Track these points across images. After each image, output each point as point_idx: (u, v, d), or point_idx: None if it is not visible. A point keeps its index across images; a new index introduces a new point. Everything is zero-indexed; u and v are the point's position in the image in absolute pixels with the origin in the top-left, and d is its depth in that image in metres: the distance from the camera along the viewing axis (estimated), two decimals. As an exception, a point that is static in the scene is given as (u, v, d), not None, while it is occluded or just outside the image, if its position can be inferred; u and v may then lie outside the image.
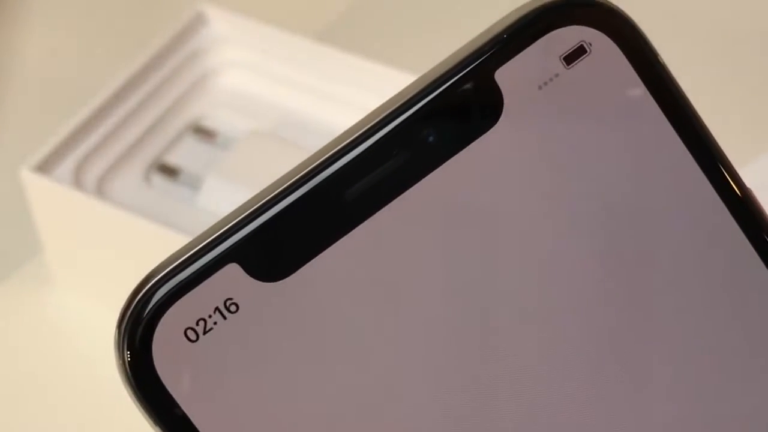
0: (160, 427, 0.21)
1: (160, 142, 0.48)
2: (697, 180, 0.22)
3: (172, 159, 0.48)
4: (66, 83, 0.57)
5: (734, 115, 0.53)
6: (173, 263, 0.21)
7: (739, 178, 0.23)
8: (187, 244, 0.21)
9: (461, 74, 0.22)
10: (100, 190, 0.47)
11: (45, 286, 0.50)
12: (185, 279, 0.21)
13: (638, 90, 0.22)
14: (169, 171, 0.48)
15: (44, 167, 0.46)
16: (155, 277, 0.21)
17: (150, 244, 0.44)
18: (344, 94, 0.48)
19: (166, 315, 0.21)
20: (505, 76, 0.22)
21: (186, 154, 0.48)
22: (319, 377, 0.21)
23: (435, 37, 0.55)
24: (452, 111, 0.22)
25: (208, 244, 0.21)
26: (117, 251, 0.46)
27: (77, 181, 0.46)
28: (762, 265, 0.23)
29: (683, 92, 0.22)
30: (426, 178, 0.21)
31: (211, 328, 0.21)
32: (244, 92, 0.50)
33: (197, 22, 0.50)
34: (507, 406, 0.22)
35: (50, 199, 0.46)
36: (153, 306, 0.21)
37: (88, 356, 0.48)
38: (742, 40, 0.57)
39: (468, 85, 0.22)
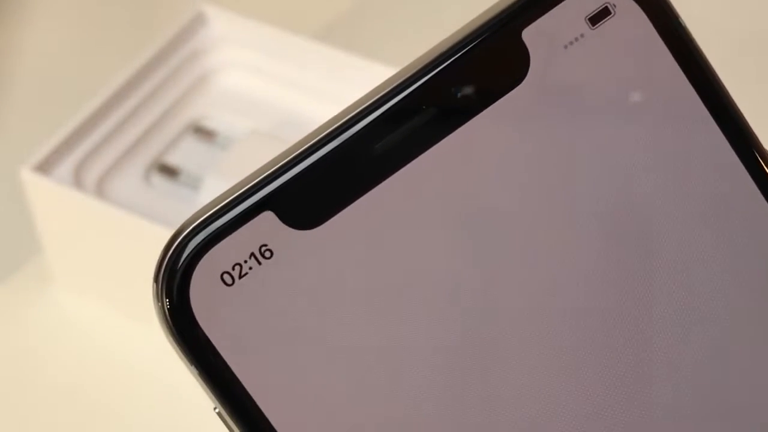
0: (197, 368, 0.22)
1: (160, 142, 0.48)
2: (717, 140, 0.23)
3: (172, 159, 0.48)
4: (66, 83, 0.57)
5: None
6: (209, 211, 0.22)
7: (757, 138, 0.23)
8: (222, 194, 0.22)
9: (490, 33, 0.22)
10: (100, 190, 0.47)
11: (45, 286, 0.50)
12: (223, 224, 0.22)
13: (660, 51, 0.23)
14: (169, 171, 0.48)
15: (44, 167, 0.46)
16: (192, 224, 0.22)
17: (150, 244, 0.44)
18: (344, 94, 0.48)
19: (204, 259, 0.22)
20: (532, 35, 0.22)
21: (186, 154, 0.48)
22: (348, 322, 0.22)
23: (435, 37, 0.55)
24: (480, 68, 0.22)
25: (244, 192, 0.22)
26: (117, 251, 0.46)
27: (77, 181, 0.46)
28: None
29: (704, 55, 0.23)
30: (455, 132, 0.22)
31: (246, 273, 0.22)
32: (244, 92, 0.50)
33: (197, 22, 0.50)
34: (520, 362, 0.23)
35: (50, 199, 0.46)
36: (192, 251, 0.22)
37: (88, 355, 0.48)
38: (740, 42, 0.57)
39: (496, 44, 0.22)
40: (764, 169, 0.23)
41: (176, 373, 0.46)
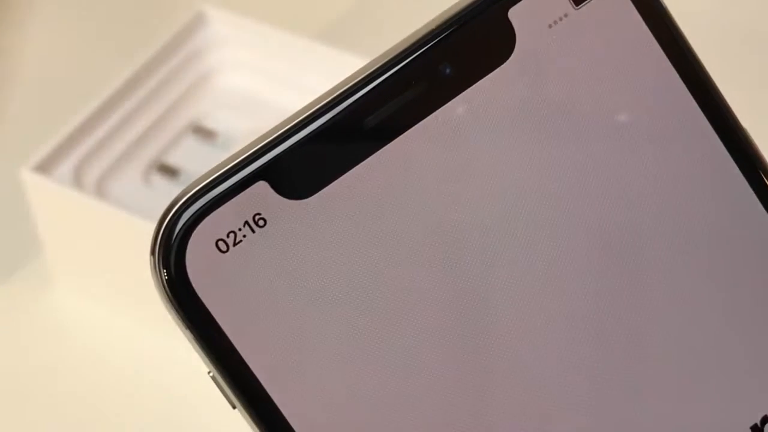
0: (193, 333, 0.23)
1: (160, 142, 0.48)
2: (696, 117, 0.24)
3: (172, 159, 0.48)
4: (66, 83, 0.57)
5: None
6: (205, 181, 0.23)
7: (735, 115, 0.24)
8: (218, 165, 0.23)
9: (478, 12, 0.23)
10: (100, 190, 0.47)
11: (45, 286, 0.50)
12: (218, 194, 0.23)
13: (641, 31, 0.24)
14: (169, 171, 0.48)
15: (44, 167, 0.46)
16: (186, 194, 0.23)
17: (150, 244, 0.44)
18: (344, 94, 0.48)
19: (199, 227, 0.22)
20: (517, 14, 0.23)
21: (186, 154, 0.48)
22: (338, 286, 0.23)
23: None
24: (468, 46, 0.23)
25: (238, 163, 0.23)
26: (117, 251, 0.46)
27: (77, 181, 0.46)
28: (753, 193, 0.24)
29: (684, 35, 0.24)
30: (443, 107, 0.23)
31: (240, 240, 0.22)
32: (244, 92, 0.50)
33: (197, 22, 0.50)
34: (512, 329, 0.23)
35: (50, 199, 0.46)
36: (188, 220, 0.23)
37: (88, 356, 0.48)
38: (738, 41, 0.57)
39: (483, 23, 0.23)
40: (744, 143, 0.24)
41: (176, 373, 0.46)
